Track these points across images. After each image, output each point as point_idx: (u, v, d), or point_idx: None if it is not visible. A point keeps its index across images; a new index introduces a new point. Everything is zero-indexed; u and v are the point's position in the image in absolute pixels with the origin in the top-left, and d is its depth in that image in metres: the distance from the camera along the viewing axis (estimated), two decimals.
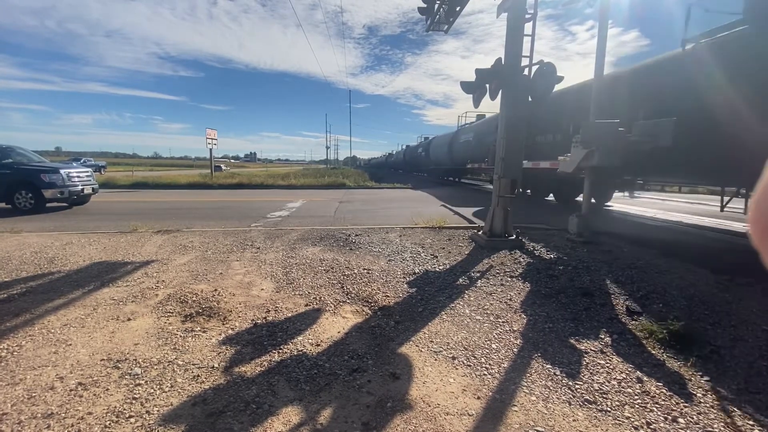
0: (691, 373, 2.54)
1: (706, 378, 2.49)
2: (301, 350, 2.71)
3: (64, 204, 9.88)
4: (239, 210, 10.31)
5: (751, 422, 2.07)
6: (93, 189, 10.37)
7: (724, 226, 7.88)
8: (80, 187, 9.68)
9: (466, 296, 3.77)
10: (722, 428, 2.03)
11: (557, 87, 5.32)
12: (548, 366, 2.60)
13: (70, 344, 2.70)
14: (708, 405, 2.22)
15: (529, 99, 5.50)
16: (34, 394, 2.13)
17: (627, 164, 5.65)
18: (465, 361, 2.64)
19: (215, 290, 3.73)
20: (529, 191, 13.24)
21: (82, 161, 36.54)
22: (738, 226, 7.76)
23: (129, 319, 3.11)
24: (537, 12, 5.25)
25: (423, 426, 1.99)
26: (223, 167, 54.53)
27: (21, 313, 3.17)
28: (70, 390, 2.18)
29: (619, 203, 11.92)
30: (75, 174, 9.69)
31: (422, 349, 2.79)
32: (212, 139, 21.80)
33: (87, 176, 10.20)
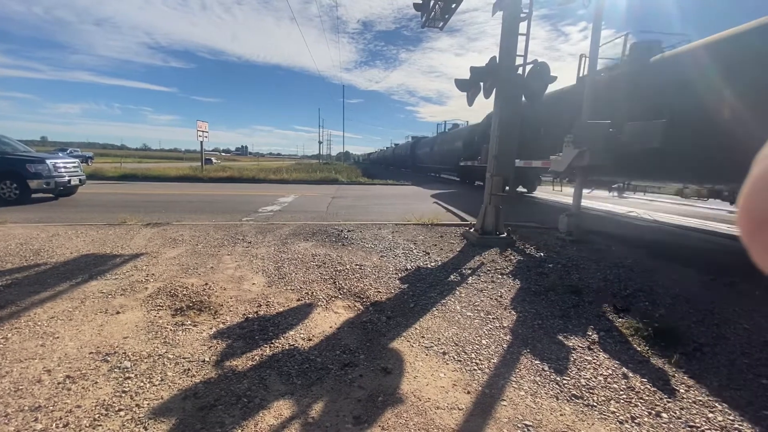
0: (674, 369, 2.61)
1: (689, 375, 2.55)
2: (293, 345, 2.71)
3: (50, 195, 9.67)
4: (230, 204, 10.22)
5: (731, 417, 2.14)
6: (80, 180, 10.17)
7: (708, 227, 8.06)
8: (67, 178, 9.48)
9: (457, 293, 3.81)
10: (704, 423, 2.09)
11: None
12: (537, 362, 2.65)
13: (58, 337, 2.66)
14: (691, 401, 2.28)
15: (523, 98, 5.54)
16: (20, 387, 2.10)
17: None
18: (455, 357, 2.67)
19: (206, 284, 3.71)
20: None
21: (68, 152, 35.80)
22: (722, 227, 7.94)
23: (118, 313, 3.07)
24: (532, 11, 5.27)
25: (413, 420, 2.01)
26: (214, 160, 53.88)
27: (6, 305, 3.11)
28: (58, 383, 2.16)
29: (609, 203, 12.09)
30: (61, 164, 9.48)
31: (413, 345, 2.81)
32: (203, 131, 21.53)
33: (74, 167, 9.99)
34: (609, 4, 7.26)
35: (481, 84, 5.55)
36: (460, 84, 5.65)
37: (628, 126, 5.50)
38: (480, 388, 2.32)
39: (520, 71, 5.36)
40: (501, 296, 3.75)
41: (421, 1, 8.12)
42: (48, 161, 9.13)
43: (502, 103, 5.46)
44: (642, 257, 4.97)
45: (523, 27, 5.31)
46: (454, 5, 7.83)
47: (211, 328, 2.89)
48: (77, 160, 10.75)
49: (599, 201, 12.36)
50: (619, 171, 7.73)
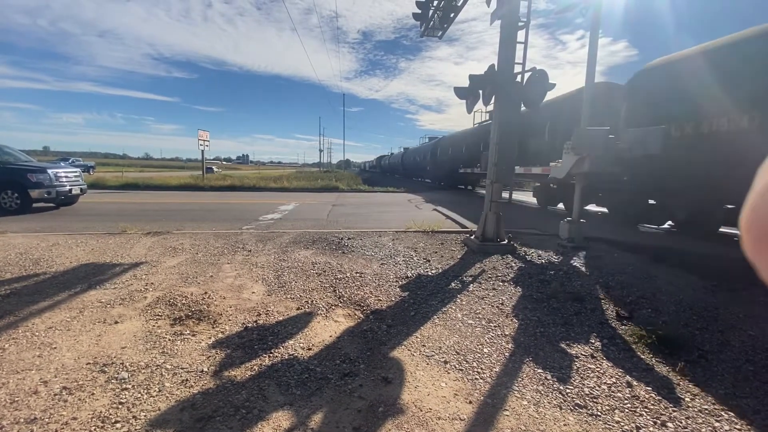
0: (679, 377, 2.57)
1: (694, 382, 2.52)
2: (293, 354, 2.69)
3: (51, 204, 9.69)
4: (231, 212, 10.23)
5: (738, 426, 2.10)
6: (81, 189, 10.20)
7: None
8: (68, 188, 9.51)
9: (459, 300, 3.78)
10: None
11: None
12: (539, 370, 2.61)
13: (55, 347, 2.64)
14: (696, 409, 2.25)
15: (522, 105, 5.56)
16: (16, 399, 2.08)
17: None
18: (457, 366, 2.64)
19: (205, 293, 3.69)
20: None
21: (70, 161, 35.96)
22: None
23: (116, 322, 3.05)
24: (530, 20, 5.32)
25: (415, 430, 1.98)
26: (215, 169, 54.12)
27: (4, 315, 3.09)
28: (55, 394, 2.13)
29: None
30: (63, 174, 9.52)
31: (414, 354, 2.78)
32: (204, 140, 21.64)
33: (75, 176, 10.03)
34: (606, 13, 7.35)
35: (480, 92, 5.58)
36: (460, 92, 5.68)
37: (628, 133, 5.51)
38: (482, 398, 2.28)
39: (518, 79, 5.39)
40: (502, 304, 3.72)
41: (420, 11, 8.21)
42: (49, 171, 9.17)
43: (501, 111, 5.48)
44: (644, 263, 4.94)
45: (521, 35, 5.35)
46: (452, 15, 7.92)
47: (209, 338, 2.86)
48: (79, 169, 10.79)
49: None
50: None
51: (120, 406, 2.06)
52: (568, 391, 2.39)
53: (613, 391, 2.39)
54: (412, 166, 34.35)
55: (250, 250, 5.30)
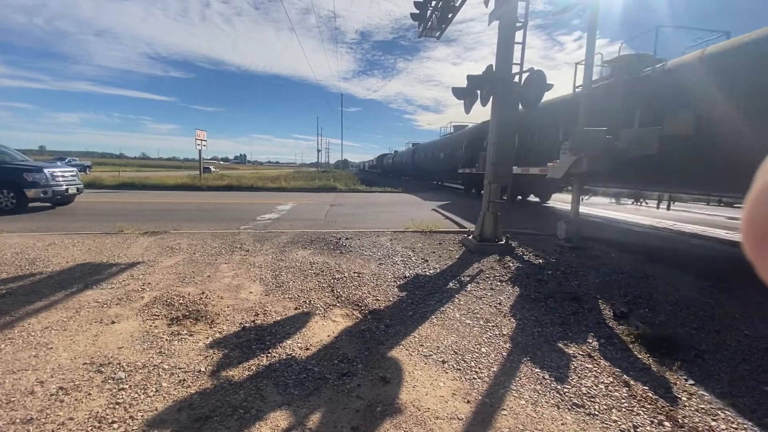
0: (676, 376, 2.58)
1: (690, 382, 2.53)
2: (290, 354, 2.68)
3: (48, 204, 9.63)
4: (228, 212, 10.20)
5: (734, 426, 2.11)
6: (78, 189, 10.13)
7: (708, 233, 8.06)
8: (64, 187, 9.45)
9: (456, 300, 3.78)
10: (707, 431, 2.06)
11: None
12: (537, 370, 2.62)
13: (52, 348, 2.62)
14: (693, 408, 2.26)
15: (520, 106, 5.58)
16: (12, 399, 2.06)
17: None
18: (455, 365, 2.64)
19: (203, 293, 3.67)
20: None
21: (66, 160, 35.77)
22: (720, 233, 7.95)
23: (113, 322, 3.03)
24: (527, 20, 5.33)
25: (413, 430, 1.98)
26: (213, 169, 53.96)
27: (0, 315, 3.07)
28: (51, 395, 2.12)
29: (606, 210, 12.12)
30: (59, 173, 9.46)
31: (412, 353, 2.78)
32: (202, 140, 21.55)
33: (71, 176, 9.97)
34: (603, 13, 7.38)
35: (478, 92, 5.59)
36: (458, 92, 5.69)
37: (625, 133, 5.53)
38: (480, 398, 2.29)
39: (516, 79, 5.40)
40: (500, 303, 3.73)
41: (418, 11, 8.21)
42: (45, 170, 9.11)
43: (499, 111, 5.49)
44: (641, 263, 4.96)
45: (519, 36, 5.36)
46: (450, 15, 7.93)
47: (207, 338, 2.85)
48: (75, 169, 10.72)
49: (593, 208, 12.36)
50: (617, 177, 7.79)
51: (117, 407, 2.05)
52: (565, 390, 2.39)
53: (610, 391, 2.40)
54: (429, 165, 26.30)
55: (247, 250, 5.29)
